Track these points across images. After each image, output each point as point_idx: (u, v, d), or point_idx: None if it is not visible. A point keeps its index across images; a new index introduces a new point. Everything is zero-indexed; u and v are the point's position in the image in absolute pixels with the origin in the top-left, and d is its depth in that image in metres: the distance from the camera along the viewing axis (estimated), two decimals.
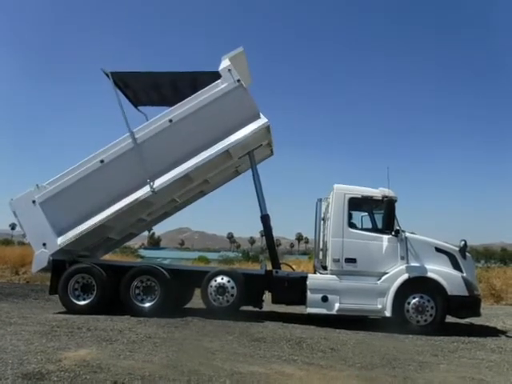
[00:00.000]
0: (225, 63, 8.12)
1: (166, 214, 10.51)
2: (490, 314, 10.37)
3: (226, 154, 8.24)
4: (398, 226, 7.91)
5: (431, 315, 7.53)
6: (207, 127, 8.05)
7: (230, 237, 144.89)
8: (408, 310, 7.55)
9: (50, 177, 8.28)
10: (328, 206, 8.66)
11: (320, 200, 9.06)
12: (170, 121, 8.03)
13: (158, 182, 8.01)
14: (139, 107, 9.69)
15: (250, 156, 8.69)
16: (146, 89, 9.23)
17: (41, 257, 8.13)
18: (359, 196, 8.21)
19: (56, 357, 4.54)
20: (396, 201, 8.00)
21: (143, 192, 8.02)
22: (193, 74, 8.61)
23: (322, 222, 9.02)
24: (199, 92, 8.12)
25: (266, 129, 8.28)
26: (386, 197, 7.90)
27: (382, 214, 8.01)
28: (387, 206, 7.81)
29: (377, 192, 8.15)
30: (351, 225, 8.17)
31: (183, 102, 8.18)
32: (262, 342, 5.98)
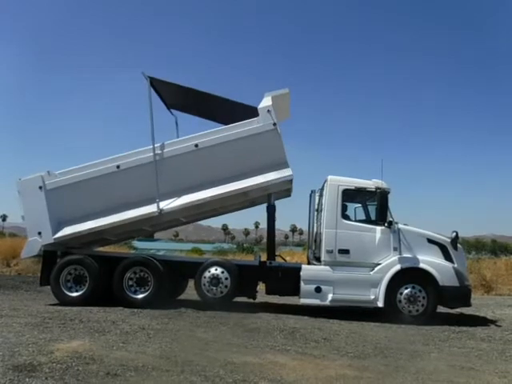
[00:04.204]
0: (266, 102, 7.87)
1: (169, 227, 10.45)
2: (480, 304, 10.53)
3: (243, 193, 8.02)
4: (391, 217, 7.95)
5: (423, 305, 7.61)
6: (231, 162, 7.82)
7: (225, 228, 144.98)
8: (400, 301, 7.62)
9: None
10: (322, 197, 8.66)
11: (314, 191, 9.07)
12: (196, 146, 7.80)
13: (167, 204, 7.81)
14: (171, 110, 9.53)
15: (268, 196, 8.36)
16: (182, 99, 9.07)
17: (33, 244, 8.05)
18: (353, 187, 8.21)
19: (48, 348, 4.51)
20: (389, 192, 8.03)
21: (149, 210, 7.83)
22: (230, 102, 8.46)
23: (315, 213, 9.03)
24: (232, 125, 7.88)
25: (289, 181, 8.07)
26: (379, 188, 7.92)
27: (375, 205, 8.04)
28: (380, 198, 7.83)
29: (370, 183, 8.16)
30: (345, 216, 8.18)
31: (213, 130, 7.99)
32: (256, 333, 6.00)
